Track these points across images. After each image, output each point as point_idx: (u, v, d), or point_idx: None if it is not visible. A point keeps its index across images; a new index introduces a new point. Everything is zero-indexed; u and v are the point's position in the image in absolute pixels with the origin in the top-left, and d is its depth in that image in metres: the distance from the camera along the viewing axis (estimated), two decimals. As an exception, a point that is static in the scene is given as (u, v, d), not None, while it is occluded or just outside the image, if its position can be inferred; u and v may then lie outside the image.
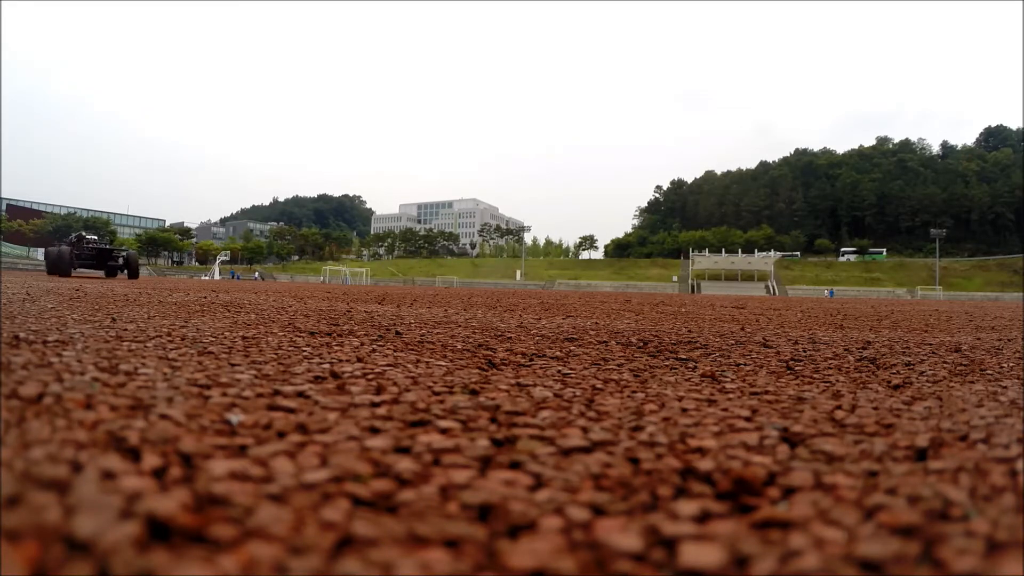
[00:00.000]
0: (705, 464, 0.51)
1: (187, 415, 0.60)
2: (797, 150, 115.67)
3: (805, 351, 1.49)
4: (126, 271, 13.72)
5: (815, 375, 1.11)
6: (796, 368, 1.20)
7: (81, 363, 0.88)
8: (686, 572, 0.32)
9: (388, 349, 1.28)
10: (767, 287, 51.79)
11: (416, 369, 1.00)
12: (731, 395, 0.86)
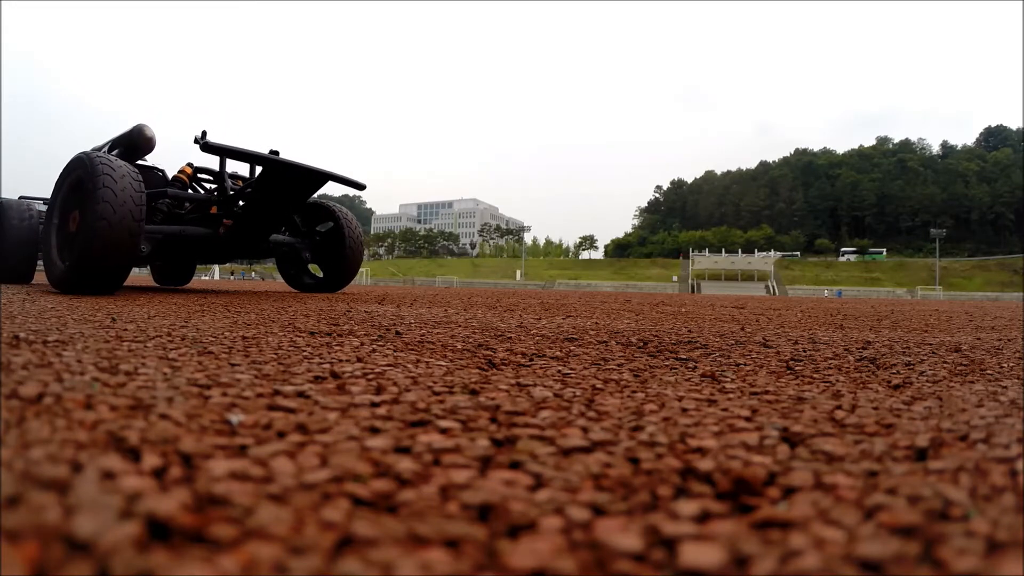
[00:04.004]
0: (705, 464, 0.51)
1: (187, 415, 0.60)
2: (797, 150, 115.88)
3: (805, 351, 1.49)
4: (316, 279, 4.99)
5: (815, 375, 1.11)
6: (796, 368, 1.20)
7: (81, 363, 0.88)
8: (686, 572, 0.32)
9: (388, 349, 1.27)
10: (767, 287, 51.81)
11: (416, 369, 1.00)
12: (731, 395, 0.86)
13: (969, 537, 0.36)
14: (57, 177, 3.59)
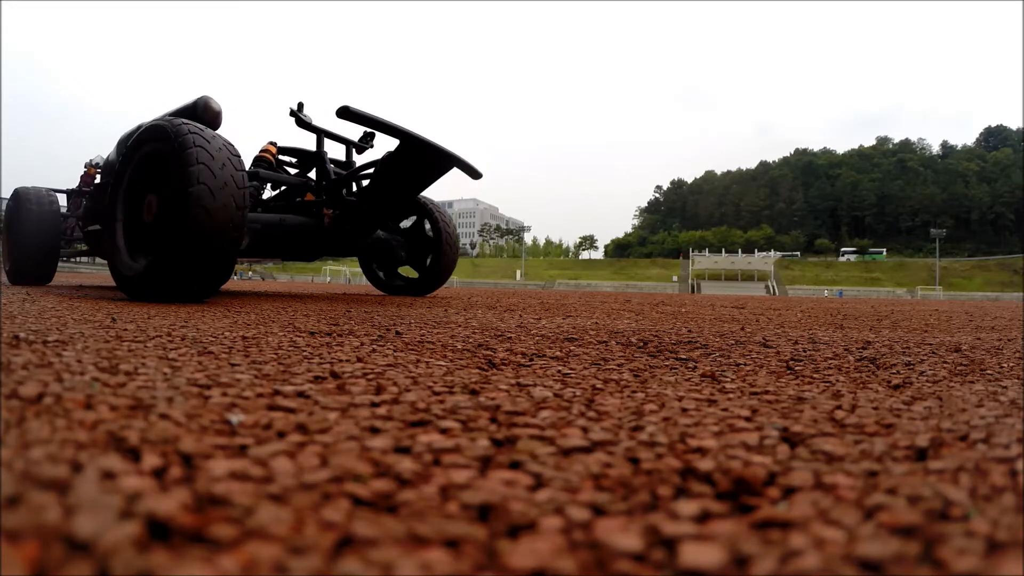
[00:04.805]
0: (705, 464, 0.51)
1: (187, 415, 0.60)
2: (797, 150, 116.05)
3: (805, 351, 1.49)
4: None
5: (815, 375, 1.11)
6: (796, 368, 1.20)
7: (81, 363, 0.88)
8: (686, 572, 0.32)
9: (388, 349, 1.27)
10: (767, 287, 51.80)
11: (416, 369, 1.00)
12: (731, 395, 0.86)
13: (969, 537, 0.36)
14: (115, 152, 3.00)
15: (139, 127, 3.38)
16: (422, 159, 3.26)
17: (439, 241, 4.37)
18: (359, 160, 4.24)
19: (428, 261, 4.45)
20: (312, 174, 3.98)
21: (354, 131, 4.21)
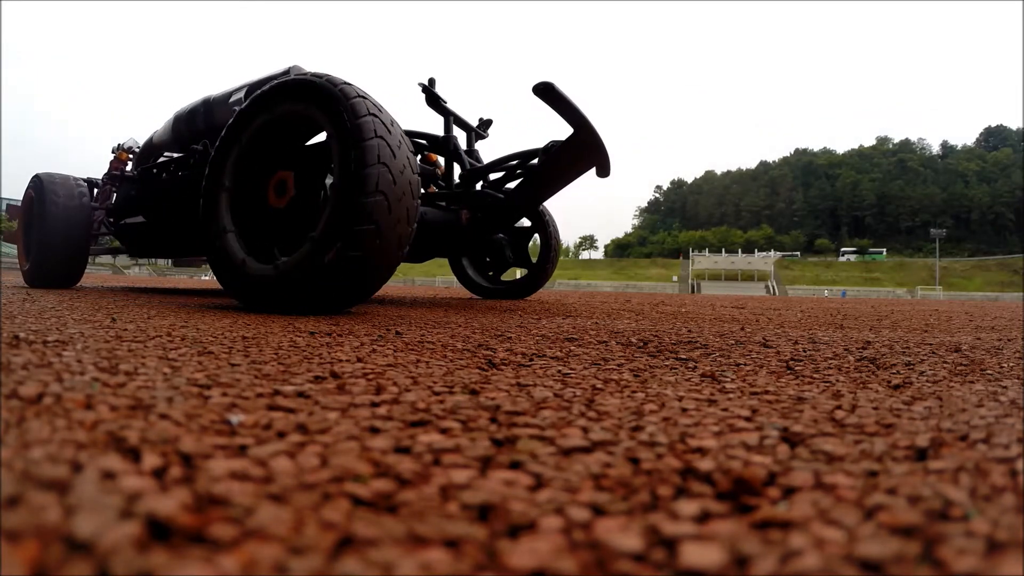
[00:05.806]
0: (705, 464, 0.51)
1: (187, 415, 0.60)
2: (797, 150, 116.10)
3: (805, 351, 1.49)
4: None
5: (815, 375, 1.11)
6: (796, 368, 1.20)
7: (81, 363, 0.88)
8: (686, 572, 0.32)
9: (388, 349, 1.28)
10: (767, 287, 51.80)
11: (416, 369, 1.00)
12: (731, 395, 0.86)
13: (969, 537, 0.36)
14: (168, 132, 2.54)
15: (205, 100, 2.97)
16: (585, 156, 2.90)
17: (547, 241, 4.17)
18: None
19: (534, 263, 4.22)
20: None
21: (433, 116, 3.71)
